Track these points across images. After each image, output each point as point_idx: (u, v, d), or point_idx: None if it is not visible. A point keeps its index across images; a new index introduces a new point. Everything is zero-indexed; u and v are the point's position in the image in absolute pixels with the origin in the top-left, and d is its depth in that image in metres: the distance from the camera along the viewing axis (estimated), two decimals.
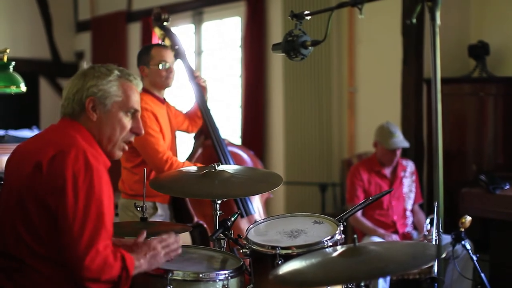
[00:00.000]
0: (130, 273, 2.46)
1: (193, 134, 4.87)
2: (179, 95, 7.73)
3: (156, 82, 4.34)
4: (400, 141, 5.15)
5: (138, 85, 2.70)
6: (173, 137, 4.49)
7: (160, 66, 4.29)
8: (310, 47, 2.51)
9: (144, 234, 2.78)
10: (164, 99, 4.45)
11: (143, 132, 2.71)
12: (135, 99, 2.66)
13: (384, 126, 5.22)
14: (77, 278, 2.38)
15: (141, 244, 2.68)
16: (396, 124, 5.36)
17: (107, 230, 2.44)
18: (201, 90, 4.71)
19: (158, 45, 4.52)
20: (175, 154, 4.47)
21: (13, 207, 2.50)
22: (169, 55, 4.38)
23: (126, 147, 2.69)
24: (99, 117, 2.58)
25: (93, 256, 2.35)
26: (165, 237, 2.72)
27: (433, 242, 4.35)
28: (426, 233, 4.59)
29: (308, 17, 2.53)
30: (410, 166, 5.33)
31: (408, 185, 5.27)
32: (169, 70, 4.33)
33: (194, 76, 4.69)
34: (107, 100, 2.58)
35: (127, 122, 2.64)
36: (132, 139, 2.69)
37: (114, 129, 2.61)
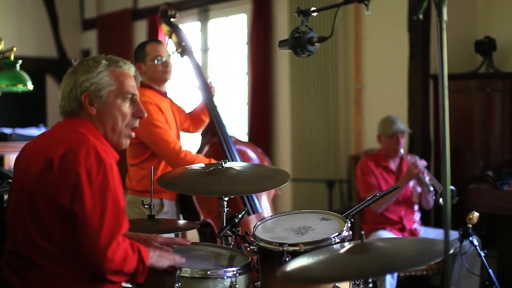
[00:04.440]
0: (146, 265, 2.48)
1: (199, 132, 4.87)
2: (182, 90, 7.75)
3: (155, 77, 4.35)
4: (401, 126, 5.17)
5: (129, 69, 2.68)
6: (178, 131, 4.49)
7: (156, 61, 4.31)
8: (316, 44, 2.51)
9: (158, 238, 2.81)
10: (166, 93, 4.46)
11: (145, 114, 2.70)
12: (130, 84, 2.64)
13: (384, 118, 5.28)
14: (99, 271, 2.39)
15: (147, 245, 2.69)
16: (402, 120, 5.36)
17: (125, 222, 2.46)
18: (208, 87, 4.70)
19: (152, 40, 4.54)
20: None
21: (23, 206, 2.50)
22: (163, 49, 4.39)
23: (133, 134, 2.69)
24: (98, 110, 2.58)
25: (114, 248, 2.37)
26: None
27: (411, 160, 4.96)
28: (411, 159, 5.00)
29: (315, 14, 2.53)
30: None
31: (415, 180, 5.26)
32: (165, 64, 4.34)
33: (203, 78, 4.69)
34: (102, 91, 2.57)
35: (127, 108, 2.63)
36: (137, 124, 2.68)
37: (116, 118, 2.60)
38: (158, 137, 4.18)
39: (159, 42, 4.48)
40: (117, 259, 2.38)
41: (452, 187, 4.57)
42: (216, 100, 4.78)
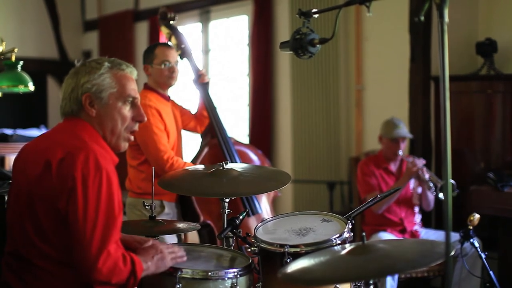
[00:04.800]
0: (138, 277, 2.46)
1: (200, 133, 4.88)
2: (185, 94, 7.74)
3: (160, 81, 4.37)
4: (403, 131, 5.18)
5: (132, 72, 2.68)
6: (179, 135, 4.50)
7: (163, 66, 4.32)
8: (318, 45, 2.51)
9: (150, 241, 2.77)
10: (169, 96, 4.47)
11: (145, 118, 2.69)
12: (131, 87, 2.64)
13: (388, 120, 5.27)
14: (87, 279, 2.38)
15: (148, 247, 2.68)
16: (403, 122, 5.36)
17: (117, 232, 2.44)
18: (207, 89, 4.71)
19: (162, 44, 4.54)
20: (180, 152, 4.48)
21: (22, 208, 2.50)
22: (172, 54, 4.40)
23: (132, 137, 2.68)
24: (98, 112, 2.58)
25: (105, 258, 2.35)
26: (171, 245, 2.73)
27: (409, 160, 5.03)
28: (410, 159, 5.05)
29: (316, 15, 2.53)
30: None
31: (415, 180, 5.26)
32: (171, 70, 4.36)
33: (199, 74, 4.70)
34: (103, 93, 2.57)
35: (127, 111, 2.63)
36: (136, 127, 2.68)
37: (115, 121, 2.60)
38: (151, 143, 4.19)
39: (169, 47, 4.48)
40: (106, 270, 2.36)
41: (452, 181, 4.58)
42: (216, 99, 4.77)
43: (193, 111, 4.77)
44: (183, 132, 4.65)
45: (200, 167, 3.61)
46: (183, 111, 4.65)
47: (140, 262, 2.49)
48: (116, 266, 2.39)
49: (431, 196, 5.15)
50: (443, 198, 1.88)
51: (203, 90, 4.70)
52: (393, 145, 5.19)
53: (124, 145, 2.67)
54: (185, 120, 4.65)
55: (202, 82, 4.70)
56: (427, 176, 5.00)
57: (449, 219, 1.89)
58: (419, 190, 5.21)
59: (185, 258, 2.70)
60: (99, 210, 2.38)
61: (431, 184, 4.98)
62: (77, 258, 2.38)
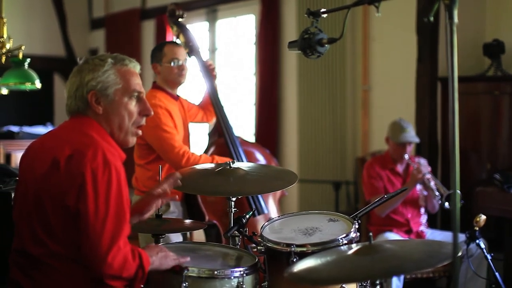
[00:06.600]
0: (145, 271, 2.47)
1: (208, 131, 4.87)
2: (192, 91, 7.75)
3: (169, 79, 4.35)
4: (410, 136, 5.15)
5: (135, 67, 2.68)
6: (187, 134, 4.50)
7: (172, 63, 4.31)
8: (326, 45, 2.51)
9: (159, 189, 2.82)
10: (178, 96, 4.47)
11: (152, 112, 2.69)
12: (136, 82, 2.64)
13: (396, 122, 5.24)
14: (98, 275, 2.38)
15: (152, 246, 2.70)
16: (410, 122, 5.35)
17: (127, 227, 2.45)
18: (215, 87, 4.72)
19: (171, 42, 4.54)
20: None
21: (29, 205, 2.50)
22: (181, 52, 4.39)
23: (140, 132, 2.68)
24: (104, 109, 2.58)
25: (115, 253, 2.36)
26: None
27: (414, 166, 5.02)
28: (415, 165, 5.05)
29: (324, 15, 2.53)
30: (422, 164, 5.30)
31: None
32: (181, 67, 4.35)
33: (206, 66, 4.70)
34: (108, 90, 2.57)
35: (134, 106, 2.62)
36: (143, 122, 2.68)
37: (122, 117, 2.60)
38: (164, 141, 4.19)
39: (178, 44, 4.47)
40: (116, 264, 2.37)
41: (458, 191, 4.57)
42: (222, 96, 4.77)
43: (198, 102, 4.77)
44: (190, 132, 4.64)
45: (208, 165, 3.61)
46: (190, 106, 4.65)
47: (147, 256, 2.51)
48: (126, 261, 2.40)
49: (436, 201, 5.14)
50: (449, 208, 1.87)
51: (211, 86, 4.70)
52: (400, 149, 5.18)
53: (132, 140, 2.67)
54: (193, 114, 4.65)
55: (210, 76, 4.70)
56: (432, 183, 4.99)
57: (457, 220, 1.89)
58: (425, 192, 5.20)
59: (188, 259, 2.70)
60: (109, 205, 2.38)
61: (437, 193, 4.96)
62: (87, 253, 2.38)
